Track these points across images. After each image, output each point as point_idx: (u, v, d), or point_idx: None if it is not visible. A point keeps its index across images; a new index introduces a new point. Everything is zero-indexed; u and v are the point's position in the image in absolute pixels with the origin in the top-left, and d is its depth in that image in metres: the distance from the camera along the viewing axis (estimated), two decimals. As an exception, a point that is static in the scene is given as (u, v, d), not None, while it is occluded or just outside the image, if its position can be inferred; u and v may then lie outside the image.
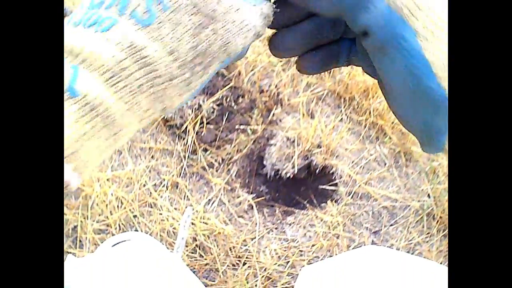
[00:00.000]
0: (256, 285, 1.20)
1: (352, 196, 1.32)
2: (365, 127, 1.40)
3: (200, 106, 1.36)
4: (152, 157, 1.33)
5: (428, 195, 1.32)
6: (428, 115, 0.32)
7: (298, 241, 1.26)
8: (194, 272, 1.19)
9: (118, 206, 1.25)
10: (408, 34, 0.31)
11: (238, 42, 0.32)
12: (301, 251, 1.25)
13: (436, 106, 0.31)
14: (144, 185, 1.29)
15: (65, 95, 0.26)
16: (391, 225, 1.29)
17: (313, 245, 1.25)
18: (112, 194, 1.25)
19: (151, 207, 1.26)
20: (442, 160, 1.36)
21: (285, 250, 1.24)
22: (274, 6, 0.35)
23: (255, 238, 1.26)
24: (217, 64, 0.32)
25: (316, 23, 0.37)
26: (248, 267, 1.21)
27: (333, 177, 1.35)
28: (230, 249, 1.23)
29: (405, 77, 0.32)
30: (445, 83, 0.30)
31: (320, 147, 1.34)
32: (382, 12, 0.31)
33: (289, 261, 1.22)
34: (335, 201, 1.32)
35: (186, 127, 1.35)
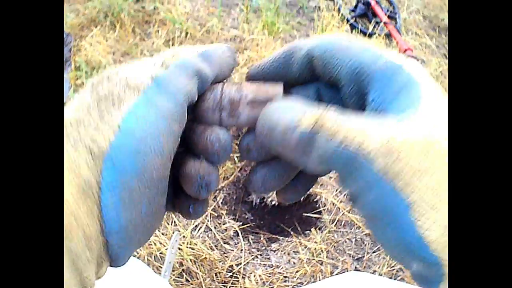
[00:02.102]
0: (241, 311, 1.21)
1: (336, 223, 1.35)
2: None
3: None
4: (140, 182, 1.35)
5: (410, 223, 1.34)
6: (415, 268, 0.28)
7: (282, 267, 1.28)
8: (180, 297, 1.20)
9: (105, 231, 1.26)
10: (401, 209, 0.26)
11: None
12: (285, 277, 1.27)
13: (423, 262, 0.27)
14: (132, 211, 1.30)
15: None
16: (374, 252, 1.32)
17: (297, 271, 1.27)
18: (100, 219, 1.26)
19: (138, 232, 1.27)
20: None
21: (269, 276, 1.26)
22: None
23: (240, 264, 1.27)
24: (133, 98, 0.30)
25: None
26: (233, 292, 1.23)
27: (317, 205, 1.38)
28: (216, 274, 1.24)
29: (396, 244, 0.27)
30: (442, 253, 0.26)
31: (305, 175, 1.37)
32: (371, 184, 0.27)
33: (273, 287, 1.24)
34: (319, 229, 1.34)
35: (174, 154, 1.37)
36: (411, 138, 0.26)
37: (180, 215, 0.37)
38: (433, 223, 0.26)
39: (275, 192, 0.37)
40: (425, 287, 0.28)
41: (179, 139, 0.31)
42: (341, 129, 0.27)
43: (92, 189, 0.27)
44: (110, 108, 0.29)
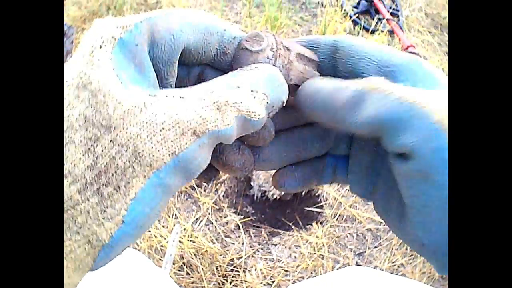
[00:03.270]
0: (241, 304, 1.21)
1: (337, 218, 1.35)
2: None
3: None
4: (141, 175, 1.35)
5: (411, 219, 1.34)
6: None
7: (283, 262, 1.27)
8: (180, 290, 1.20)
9: (106, 223, 1.25)
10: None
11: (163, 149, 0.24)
12: (286, 271, 1.26)
13: None
14: (133, 203, 1.29)
15: None
16: (375, 247, 1.32)
17: (298, 266, 1.26)
18: (100, 211, 1.26)
19: (139, 225, 1.27)
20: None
21: (270, 270, 1.26)
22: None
23: (241, 257, 1.27)
24: (142, 180, 0.24)
25: (303, 135, 0.34)
26: (234, 285, 1.22)
27: (319, 200, 1.38)
28: (217, 268, 1.24)
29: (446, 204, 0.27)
30: None
31: (307, 170, 1.36)
32: (431, 132, 0.26)
33: (274, 281, 1.24)
34: (321, 223, 1.34)
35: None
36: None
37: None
38: None
39: (272, 177, 0.35)
40: None
41: None
42: (396, 89, 0.27)
43: (86, 269, 0.26)
44: (114, 194, 0.24)
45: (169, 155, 0.24)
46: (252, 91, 0.27)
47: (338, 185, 1.37)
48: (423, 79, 0.30)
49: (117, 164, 0.24)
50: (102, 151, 0.24)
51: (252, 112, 0.26)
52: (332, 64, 0.33)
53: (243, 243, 1.29)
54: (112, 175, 0.24)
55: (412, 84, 0.30)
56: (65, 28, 1.28)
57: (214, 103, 0.25)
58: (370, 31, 2.12)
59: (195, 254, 1.24)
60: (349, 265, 1.27)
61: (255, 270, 1.25)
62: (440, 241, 0.28)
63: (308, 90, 0.30)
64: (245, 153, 0.31)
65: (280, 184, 0.35)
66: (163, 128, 0.24)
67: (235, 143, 0.31)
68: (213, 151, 0.27)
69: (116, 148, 0.24)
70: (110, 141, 0.24)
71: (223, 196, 1.36)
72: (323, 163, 0.36)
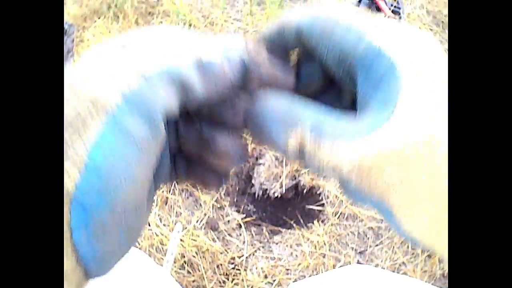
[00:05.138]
0: (242, 303, 1.21)
1: (339, 216, 1.34)
2: (352, 149, 1.43)
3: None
4: (142, 174, 1.34)
5: (413, 217, 1.34)
6: None
7: (285, 260, 1.27)
8: (181, 288, 1.20)
9: (107, 221, 1.25)
10: (388, 215, 0.28)
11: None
12: (287, 269, 1.26)
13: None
14: (134, 201, 1.29)
15: None
16: (377, 245, 1.31)
17: (299, 264, 1.26)
18: (101, 209, 1.26)
19: (140, 223, 1.27)
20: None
21: (272, 269, 1.26)
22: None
23: (242, 256, 1.27)
24: (99, 123, 0.25)
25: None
26: (235, 284, 1.22)
27: (320, 198, 1.37)
28: (218, 266, 1.24)
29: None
30: (434, 246, 0.28)
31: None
32: (353, 198, 0.30)
33: (275, 279, 1.24)
34: (322, 221, 1.34)
35: (177, 145, 1.36)
36: (382, 151, 0.26)
37: (196, 188, 0.36)
38: (414, 226, 0.27)
39: None
40: None
41: (158, 160, 0.28)
42: (317, 153, 0.27)
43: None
44: (75, 139, 0.24)
45: (119, 94, 0.25)
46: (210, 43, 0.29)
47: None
48: (383, 77, 0.28)
49: (79, 113, 0.24)
50: (68, 108, 0.25)
51: (206, 53, 0.28)
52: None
53: (244, 242, 1.29)
54: (76, 122, 0.24)
55: (370, 83, 0.28)
56: (66, 26, 1.28)
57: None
58: (371, 28, 2.11)
59: (196, 253, 1.24)
60: (350, 264, 1.27)
61: (256, 268, 1.25)
62: None
63: (256, 124, 0.30)
64: (237, 139, 0.31)
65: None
66: (119, 65, 0.26)
67: (225, 131, 0.31)
68: (205, 143, 0.30)
69: (78, 99, 0.25)
70: (75, 95, 0.25)
71: (224, 194, 1.36)
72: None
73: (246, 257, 1.26)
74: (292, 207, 1.37)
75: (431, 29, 2.20)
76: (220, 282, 1.22)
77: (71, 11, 1.88)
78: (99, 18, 1.89)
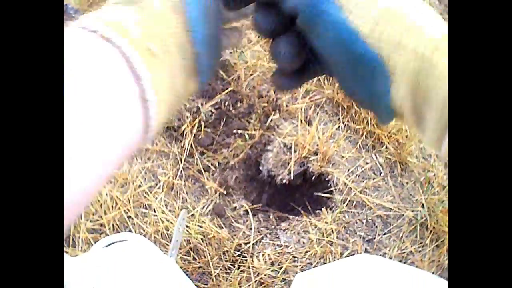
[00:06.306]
0: (248, 290, 1.20)
1: (347, 204, 1.33)
2: (362, 135, 1.41)
3: (198, 109, 1.37)
4: (149, 158, 1.34)
5: (422, 205, 1.32)
6: (368, 81, 0.34)
7: (291, 247, 1.26)
8: (187, 274, 1.19)
9: (112, 206, 1.25)
10: (332, 9, 0.32)
11: None
12: (294, 257, 1.25)
13: (371, 70, 0.33)
14: (140, 186, 1.29)
15: None
16: (385, 234, 1.30)
17: (306, 252, 1.25)
18: (107, 194, 1.25)
19: (146, 208, 1.27)
20: (437, 171, 1.37)
21: (278, 256, 1.25)
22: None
23: (249, 242, 1.26)
24: None
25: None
26: (241, 271, 1.22)
27: (329, 185, 1.36)
28: (224, 253, 1.23)
29: (336, 49, 0.33)
30: (376, 46, 0.32)
31: (317, 155, 1.35)
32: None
33: (282, 267, 1.23)
34: (330, 209, 1.32)
35: (184, 130, 1.35)
36: None
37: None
38: (361, 18, 0.32)
39: (271, 79, 0.41)
40: (382, 109, 0.34)
41: None
42: None
43: (178, 6, 0.33)
44: None
45: None
46: None
47: (348, 170, 1.35)
48: None
49: None
50: None
51: None
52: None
53: (251, 228, 1.28)
54: None
55: None
56: (72, 11, 1.26)
57: None
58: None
59: (202, 239, 1.23)
60: (357, 252, 1.26)
61: (262, 255, 1.24)
62: (356, 88, 0.35)
63: None
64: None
65: (279, 85, 0.41)
66: None
67: None
68: None
69: None
70: None
71: (231, 180, 1.35)
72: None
73: (253, 244, 1.26)
74: (300, 194, 1.36)
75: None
76: (226, 268, 1.22)
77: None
78: (104, 3, 1.87)
